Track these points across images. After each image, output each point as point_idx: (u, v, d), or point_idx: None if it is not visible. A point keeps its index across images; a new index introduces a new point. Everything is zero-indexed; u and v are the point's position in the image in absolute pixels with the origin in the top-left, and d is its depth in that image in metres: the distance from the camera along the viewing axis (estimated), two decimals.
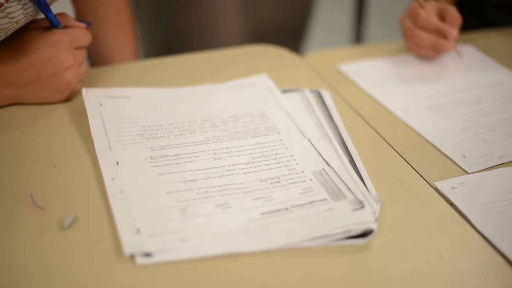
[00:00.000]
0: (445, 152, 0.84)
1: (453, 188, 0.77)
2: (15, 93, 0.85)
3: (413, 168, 0.80)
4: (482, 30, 1.21)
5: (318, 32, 2.49)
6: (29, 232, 0.66)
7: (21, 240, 0.65)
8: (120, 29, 1.11)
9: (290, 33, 1.56)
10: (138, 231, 0.66)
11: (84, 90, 0.87)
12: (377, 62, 1.07)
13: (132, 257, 0.64)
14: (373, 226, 0.68)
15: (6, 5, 0.76)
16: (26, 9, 0.80)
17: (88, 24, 0.91)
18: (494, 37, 1.18)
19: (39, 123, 0.85)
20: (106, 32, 1.09)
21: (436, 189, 0.77)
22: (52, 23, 0.86)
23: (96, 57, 1.09)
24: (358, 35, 1.66)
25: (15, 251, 0.64)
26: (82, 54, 0.89)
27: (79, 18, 1.06)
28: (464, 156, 0.83)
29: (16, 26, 0.81)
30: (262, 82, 0.95)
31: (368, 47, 1.16)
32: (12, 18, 0.78)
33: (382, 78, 1.03)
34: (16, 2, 0.77)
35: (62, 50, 0.84)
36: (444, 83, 1.02)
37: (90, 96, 0.87)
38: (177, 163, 0.77)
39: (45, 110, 0.87)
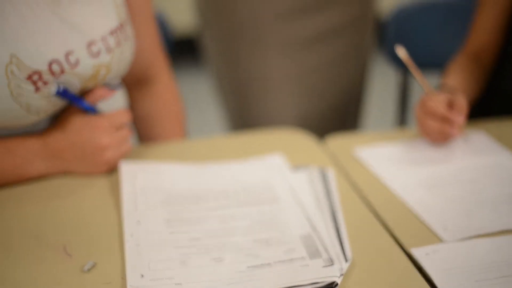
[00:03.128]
0: (428, 223, 0.94)
1: (426, 254, 0.87)
2: (65, 164, 1.04)
3: (391, 235, 0.91)
4: (497, 118, 1.31)
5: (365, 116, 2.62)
6: (54, 274, 0.82)
7: (45, 280, 0.81)
8: (169, 118, 1.27)
9: (337, 119, 1.70)
10: (142, 276, 0.81)
11: (122, 162, 1.04)
12: (391, 147, 1.19)
13: None
14: (337, 280, 0.80)
15: (43, 89, 0.95)
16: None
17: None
18: (509, 125, 1.27)
19: (83, 189, 1.02)
20: (157, 119, 1.26)
21: (410, 254, 0.87)
22: (89, 112, 1.03)
23: (145, 137, 1.26)
24: (402, 119, 1.80)
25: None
26: (123, 135, 1.05)
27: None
28: (445, 227, 0.93)
29: (53, 108, 1.00)
30: (275, 160, 1.10)
31: (389, 133, 1.28)
32: (50, 101, 0.97)
33: (391, 160, 1.14)
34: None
35: (99, 133, 1.02)
36: (447, 165, 1.12)
37: (127, 168, 1.04)
38: (188, 225, 0.92)
39: (90, 178, 1.05)
